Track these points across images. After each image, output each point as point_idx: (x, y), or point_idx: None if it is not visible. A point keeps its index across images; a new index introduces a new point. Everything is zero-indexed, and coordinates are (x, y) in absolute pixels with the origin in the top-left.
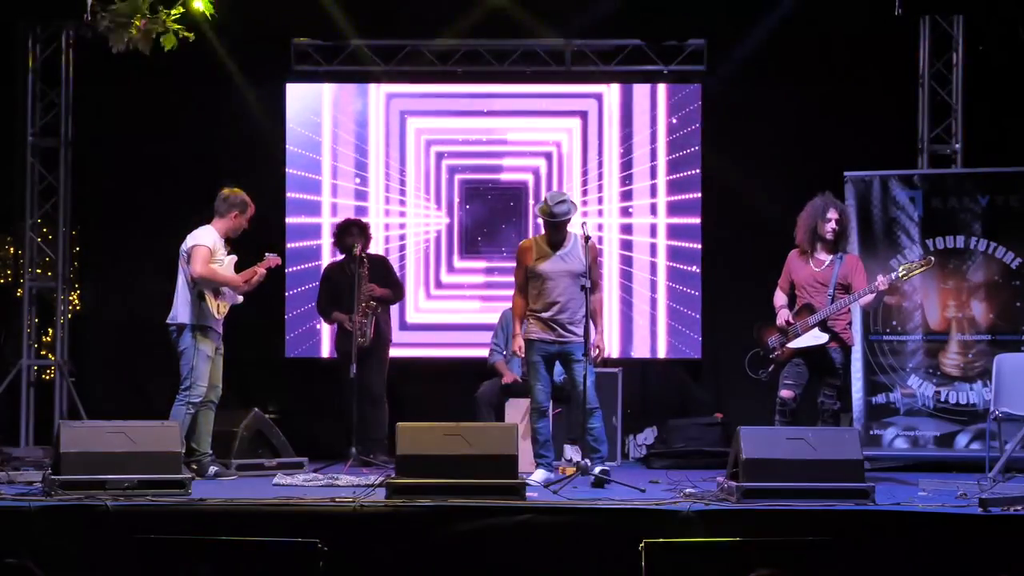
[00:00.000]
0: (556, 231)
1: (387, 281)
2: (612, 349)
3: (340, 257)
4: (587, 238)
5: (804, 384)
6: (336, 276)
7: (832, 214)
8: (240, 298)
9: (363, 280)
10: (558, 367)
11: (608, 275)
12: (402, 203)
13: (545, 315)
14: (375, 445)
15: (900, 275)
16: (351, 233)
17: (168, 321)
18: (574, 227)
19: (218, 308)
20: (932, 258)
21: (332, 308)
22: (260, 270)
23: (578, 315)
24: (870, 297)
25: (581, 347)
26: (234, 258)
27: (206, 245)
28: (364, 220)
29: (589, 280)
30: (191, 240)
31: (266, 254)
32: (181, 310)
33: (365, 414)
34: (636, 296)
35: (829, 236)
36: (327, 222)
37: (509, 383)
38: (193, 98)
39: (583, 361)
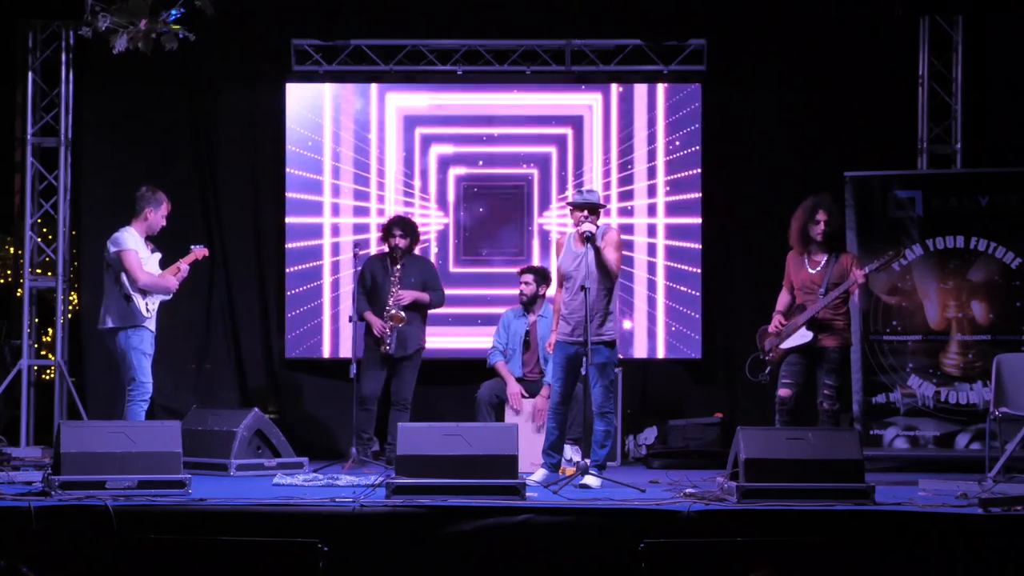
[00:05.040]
0: (577, 223)
1: (426, 285)
2: None
3: (383, 249)
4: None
5: (802, 382)
6: (372, 268)
7: (821, 215)
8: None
9: (394, 285)
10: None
11: None
12: (402, 203)
13: (564, 313)
14: (393, 450)
15: (874, 268)
16: (392, 233)
17: (100, 327)
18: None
19: (146, 307)
20: (902, 248)
21: (365, 300)
22: (183, 265)
23: (598, 315)
24: (856, 293)
25: (595, 349)
26: (158, 255)
27: (133, 250)
28: (409, 218)
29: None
30: (113, 246)
31: (191, 247)
32: (111, 315)
33: (391, 419)
34: (636, 296)
35: (819, 238)
36: (327, 222)
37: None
38: (193, 98)
39: (595, 365)
